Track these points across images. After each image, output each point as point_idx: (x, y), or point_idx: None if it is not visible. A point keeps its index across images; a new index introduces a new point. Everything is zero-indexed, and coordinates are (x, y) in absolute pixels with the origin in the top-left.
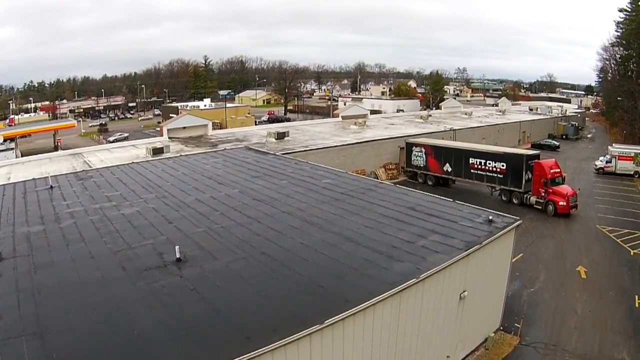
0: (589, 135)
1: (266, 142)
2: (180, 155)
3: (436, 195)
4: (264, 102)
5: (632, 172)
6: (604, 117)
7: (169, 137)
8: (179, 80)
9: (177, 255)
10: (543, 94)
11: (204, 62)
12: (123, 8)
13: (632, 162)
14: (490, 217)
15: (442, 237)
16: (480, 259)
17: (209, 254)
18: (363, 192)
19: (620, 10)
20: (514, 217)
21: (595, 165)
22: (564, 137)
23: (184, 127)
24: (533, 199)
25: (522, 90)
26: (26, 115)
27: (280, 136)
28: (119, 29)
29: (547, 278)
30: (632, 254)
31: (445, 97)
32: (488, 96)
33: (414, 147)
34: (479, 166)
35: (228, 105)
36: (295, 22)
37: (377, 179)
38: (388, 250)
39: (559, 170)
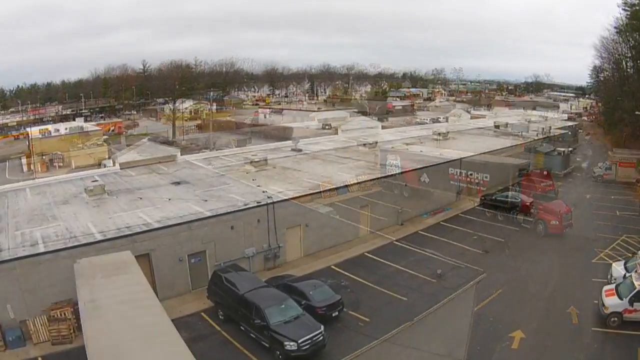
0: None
1: None
2: None
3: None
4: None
5: (634, 180)
6: (603, 129)
7: None
8: (168, 82)
9: None
10: (526, 98)
11: (194, 63)
12: (116, 10)
13: (635, 168)
14: (439, 271)
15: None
16: None
17: None
18: None
19: (620, 6)
20: (476, 268)
21: (594, 173)
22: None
23: None
24: (521, 217)
25: (503, 94)
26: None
27: None
28: (114, 30)
29: (529, 325)
30: (636, 286)
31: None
32: (458, 101)
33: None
34: (459, 177)
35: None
36: (290, 23)
37: None
38: None
39: (551, 182)
